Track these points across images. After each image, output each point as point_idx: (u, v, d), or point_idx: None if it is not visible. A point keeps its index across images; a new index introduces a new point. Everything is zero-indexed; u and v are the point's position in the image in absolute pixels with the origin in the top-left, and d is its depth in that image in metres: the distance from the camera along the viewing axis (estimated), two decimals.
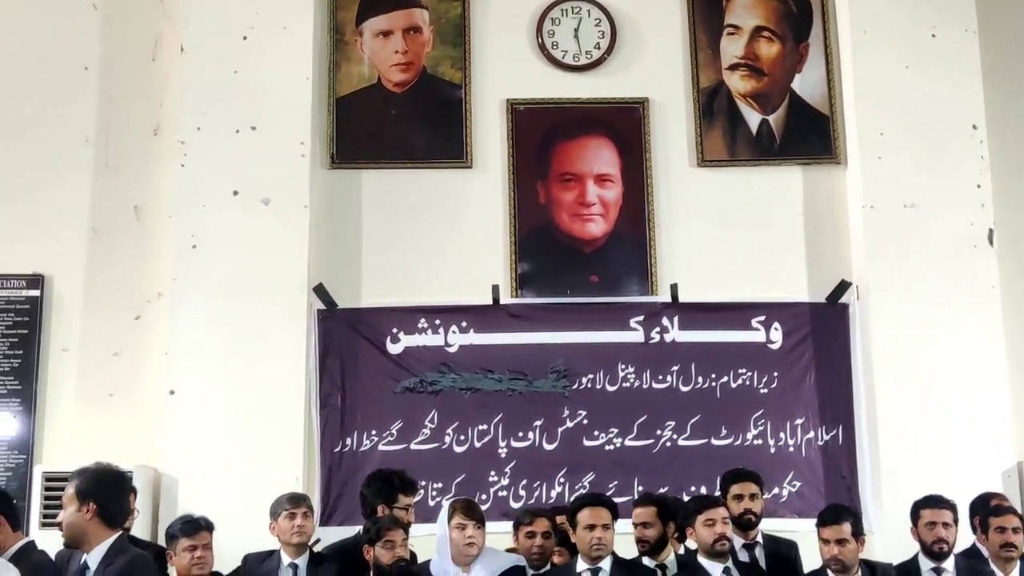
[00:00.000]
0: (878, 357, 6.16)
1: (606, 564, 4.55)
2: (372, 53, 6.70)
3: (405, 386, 6.28)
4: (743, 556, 4.97)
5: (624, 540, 4.91)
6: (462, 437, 6.24)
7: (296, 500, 4.94)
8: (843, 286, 6.37)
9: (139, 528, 5.30)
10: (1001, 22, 6.81)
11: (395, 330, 6.34)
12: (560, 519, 4.83)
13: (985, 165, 6.37)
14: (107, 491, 3.82)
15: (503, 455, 6.22)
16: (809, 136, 6.69)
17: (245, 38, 6.36)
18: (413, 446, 6.21)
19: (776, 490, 6.09)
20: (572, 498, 5.77)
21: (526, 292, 6.43)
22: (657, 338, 6.38)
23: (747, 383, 6.31)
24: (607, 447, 6.24)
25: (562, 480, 6.18)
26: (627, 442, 6.24)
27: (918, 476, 5.68)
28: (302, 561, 4.82)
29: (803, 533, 5.28)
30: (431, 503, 5.95)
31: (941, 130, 6.39)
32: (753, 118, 6.70)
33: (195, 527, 4.72)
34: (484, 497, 6.06)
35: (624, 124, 6.64)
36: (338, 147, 6.55)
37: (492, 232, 6.49)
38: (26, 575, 3.48)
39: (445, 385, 6.29)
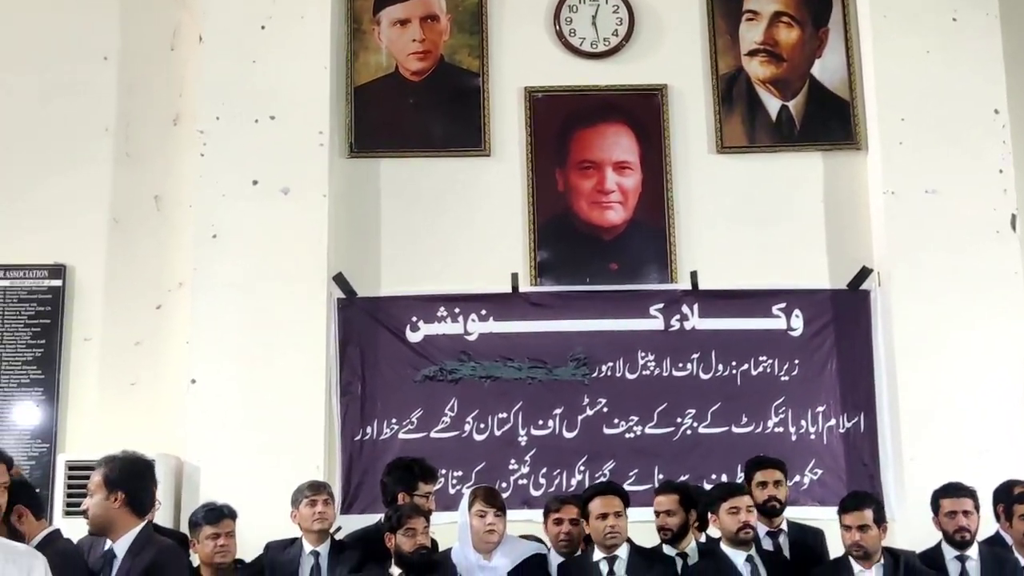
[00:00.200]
0: (900, 344, 6.13)
1: (623, 552, 4.56)
2: (390, 42, 6.70)
3: (425, 374, 6.29)
4: (767, 544, 4.97)
5: (642, 528, 4.92)
6: (482, 425, 6.24)
7: (317, 487, 4.96)
8: (864, 273, 6.34)
9: (161, 516, 5.33)
10: (1023, 6, 6.75)
11: (415, 318, 6.35)
12: None
13: (1007, 150, 6.33)
14: (135, 480, 3.85)
15: (523, 443, 6.22)
16: (829, 122, 6.65)
17: (263, 28, 6.36)
18: (433, 434, 6.22)
19: (797, 478, 6.07)
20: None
21: (545, 280, 6.42)
22: (677, 326, 6.36)
23: (768, 370, 6.29)
24: (627, 435, 6.23)
25: (582, 468, 6.18)
26: (647, 430, 6.24)
27: (940, 463, 5.65)
28: (324, 549, 4.84)
29: (824, 521, 5.28)
30: (451, 491, 5.97)
31: (962, 115, 6.35)
32: (772, 104, 6.66)
33: (218, 515, 4.76)
34: (504, 485, 6.06)
35: (643, 111, 6.62)
36: (356, 136, 6.55)
37: (511, 220, 6.48)
38: (52, 563, 3.49)
39: (465, 373, 6.29)
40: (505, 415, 6.24)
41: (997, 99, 6.37)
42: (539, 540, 4.93)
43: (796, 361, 6.30)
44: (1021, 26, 6.69)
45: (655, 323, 6.37)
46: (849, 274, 6.38)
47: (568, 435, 6.24)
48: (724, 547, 4.64)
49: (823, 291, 6.40)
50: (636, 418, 6.24)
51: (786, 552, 4.98)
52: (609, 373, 6.30)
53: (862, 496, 4.75)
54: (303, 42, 6.37)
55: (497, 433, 6.23)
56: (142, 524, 3.83)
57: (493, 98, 6.62)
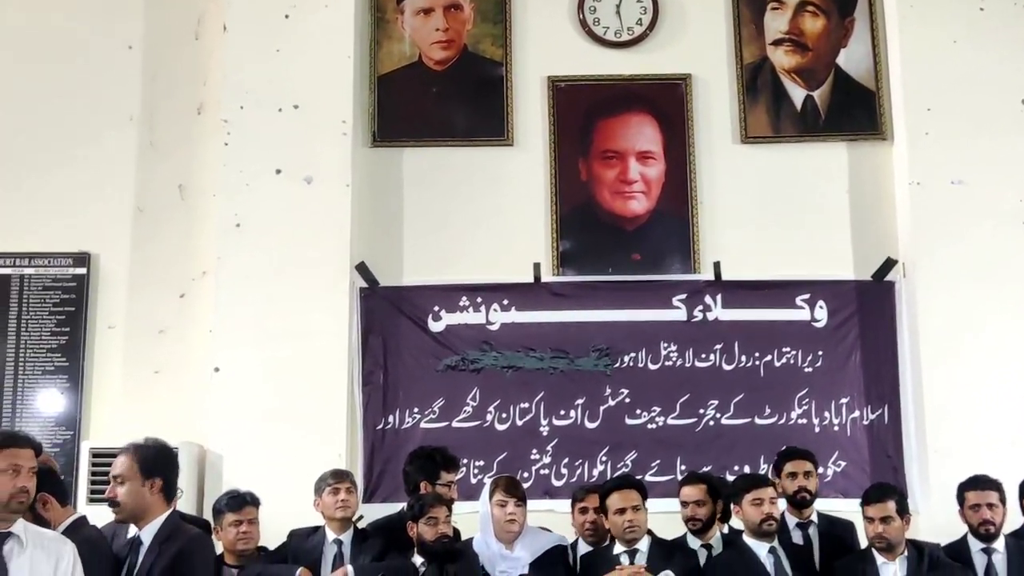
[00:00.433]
0: (925, 335, 6.09)
1: (643, 545, 4.55)
2: (413, 31, 6.69)
3: (447, 364, 6.29)
4: (796, 535, 4.95)
5: (664, 519, 4.91)
6: (504, 415, 6.24)
7: (340, 475, 4.98)
8: (889, 264, 6.30)
9: (185, 503, 5.37)
10: None
11: (437, 308, 6.35)
12: None
13: None
14: (170, 466, 3.87)
15: (545, 433, 6.22)
16: (855, 112, 6.60)
17: (287, 17, 6.37)
18: (455, 424, 6.22)
19: (821, 470, 5.98)
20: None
21: (567, 270, 6.41)
22: (700, 316, 6.34)
23: (791, 362, 6.26)
24: (649, 426, 6.22)
25: (604, 459, 6.17)
26: (669, 421, 6.22)
27: (965, 456, 5.65)
28: (346, 537, 4.84)
29: (847, 513, 5.25)
30: (473, 481, 5.97)
31: (989, 105, 6.30)
32: (797, 94, 6.62)
33: (241, 502, 4.78)
34: (526, 475, 6.06)
35: (666, 101, 6.59)
36: (379, 125, 6.55)
37: (533, 210, 6.47)
38: (79, 550, 3.51)
39: (486, 363, 6.29)
40: (527, 405, 6.24)
41: None
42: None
43: (820, 352, 6.28)
44: None
45: (678, 314, 6.35)
46: (874, 265, 6.34)
47: (590, 425, 6.23)
48: (747, 539, 4.63)
49: (847, 282, 6.37)
50: (658, 409, 6.23)
51: (816, 544, 4.95)
52: (631, 364, 6.28)
53: (885, 488, 4.74)
54: (327, 31, 6.38)
55: (519, 423, 6.23)
56: (169, 511, 3.84)
57: (516, 87, 6.60)
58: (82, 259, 6.36)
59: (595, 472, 6.13)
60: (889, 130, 6.52)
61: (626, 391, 6.24)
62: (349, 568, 4.52)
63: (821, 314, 6.33)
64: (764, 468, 5.99)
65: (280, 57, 6.32)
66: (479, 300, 6.36)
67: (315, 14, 6.38)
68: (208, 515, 5.10)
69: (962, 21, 6.40)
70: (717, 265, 6.33)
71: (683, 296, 6.35)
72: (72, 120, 6.51)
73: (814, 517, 5.07)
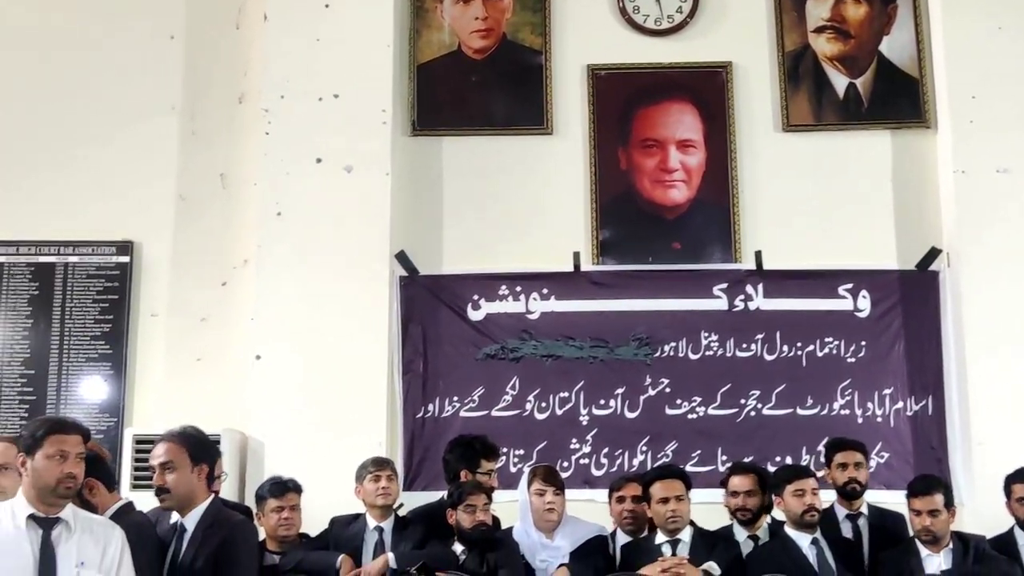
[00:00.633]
0: (969, 326, 6.02)
1: (686, 535, 4.53)
2: (452, 20, 6.68)
3: (486, 353, 6.29)
4: (846, 526, 4.91)
5: (706, 510, 4.89)
6: (543, 404, 6.23)
7: (380, 463, 4.99)
8: (933, 253, 6.23)
9: (227, 490, 5.40)
10: None
11: (476, 297, 6.35)
12: None
13: None
14: (214, 453, 3.91)
15: (584, 423, 6.21)
16: (898, 100, 6.53)
17: (327, 6, 6.37)
18: (494, 413, 6.22)
19: None
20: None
21: (607, 259, 6.39)
22: (741, 306, 6.30)
23: (834, 352, 6.20)
24: (690, 416, 6.19)
25: (644, 448, 6.15)
26: (710, 411, 6.19)
27: (1010, 447, 5.58)
28: (387, 524, 4.85)
29: (892, 505, 5.20)
30: (512, 470, 5.96)
31: None
32: (840, 81, 6.56)
33: (283, 489, 4.81)
34: (566, 464, 6.05)
35: (707, 89, 6.55)
36: (419, 114, 6.55)
37: (573, 199, 6.45)
38: (127, 535, 3.55)
39: (526, 352, 6.29)
40: (566, 394, 6.23)
41: None
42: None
43: (863, 342, 6.21)
44: None
45: (719, 303, 6.31)
46: (918, 254, 6.27)
47: (630, 415, 6.20)
48: (788, 530, 4.60)
49: (891, 272, 6.30)
50: (699, 399, 6.19)
51: (865, 536, 4.91)
52: (672, 353, 6.25)
53: (932, 480, 4.70)
54: (366, 20, 6.38)
55: (559, 412, 6.21)
56: (211, 498, 3.88)
57: (556, 76, 6.58)
58: (125, 247, 6.42)
59: (635, 462, 6.11)
60: (933, 118, 6.44)
61: (666, 381, 6.22)
62: (390, 555, 4.54)
63: (864, 304, 6.27)
64: (806, 459, 5.95)
65: (320, 46, 6.33)
66: (518, 289, 6.35)
67: (355, 3, 6.39)
68: (249, 501, 5.14)
69: (1007, 8, 6.32)
70: (758, 254, 6.29)
71: (724, 285, 6.31)
72: (115, 110, 6.56)
73: (864, 509, 5.02)
